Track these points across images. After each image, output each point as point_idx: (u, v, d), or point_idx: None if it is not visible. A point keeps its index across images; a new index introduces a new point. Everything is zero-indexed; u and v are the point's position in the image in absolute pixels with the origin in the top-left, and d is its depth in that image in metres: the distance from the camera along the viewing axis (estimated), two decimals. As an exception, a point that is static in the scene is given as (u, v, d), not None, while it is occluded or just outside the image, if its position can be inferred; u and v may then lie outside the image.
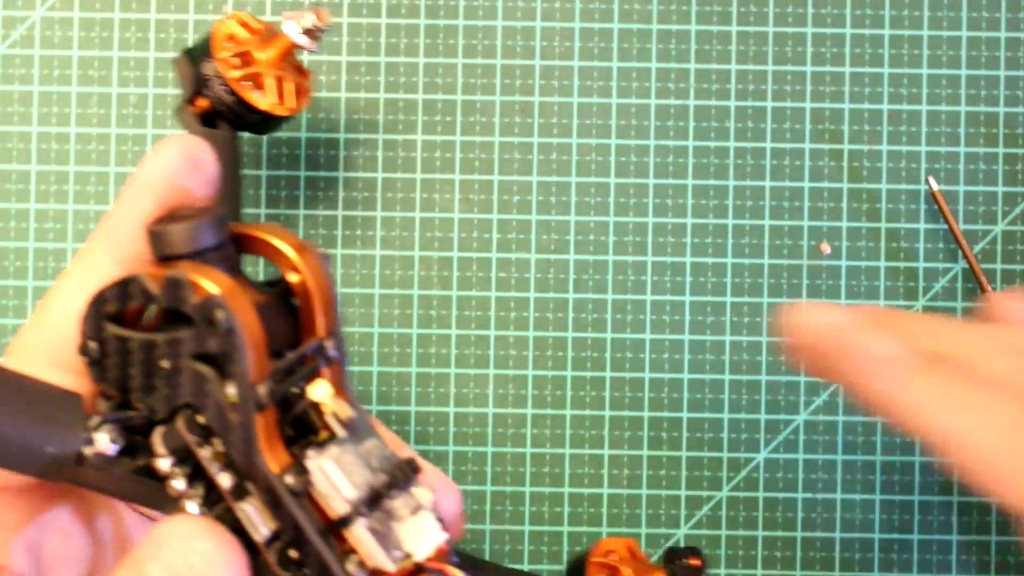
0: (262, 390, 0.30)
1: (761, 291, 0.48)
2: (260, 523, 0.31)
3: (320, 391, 0.32)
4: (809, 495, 0.48)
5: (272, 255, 0.32)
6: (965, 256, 0.47)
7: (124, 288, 0.29)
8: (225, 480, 0.31)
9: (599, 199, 0.48)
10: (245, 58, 0.42)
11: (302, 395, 0.32)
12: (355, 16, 0.48)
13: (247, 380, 0.30)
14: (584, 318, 0.48)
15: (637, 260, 0.48)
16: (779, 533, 0.48)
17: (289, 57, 0.43)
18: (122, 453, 0.30)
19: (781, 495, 0.48)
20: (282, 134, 0.48)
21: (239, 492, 0.31)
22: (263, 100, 0.43)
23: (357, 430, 0.32)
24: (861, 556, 0.48)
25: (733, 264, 0.48)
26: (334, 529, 0.31)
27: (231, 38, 0.43)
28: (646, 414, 0.48)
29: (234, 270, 0.31)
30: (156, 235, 0.31)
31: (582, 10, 0.49)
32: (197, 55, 0.43)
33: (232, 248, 0.31)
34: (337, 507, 0.31)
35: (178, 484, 0.31)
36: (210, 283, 0.30)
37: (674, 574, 0.43)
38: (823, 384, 0.48)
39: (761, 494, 0.48)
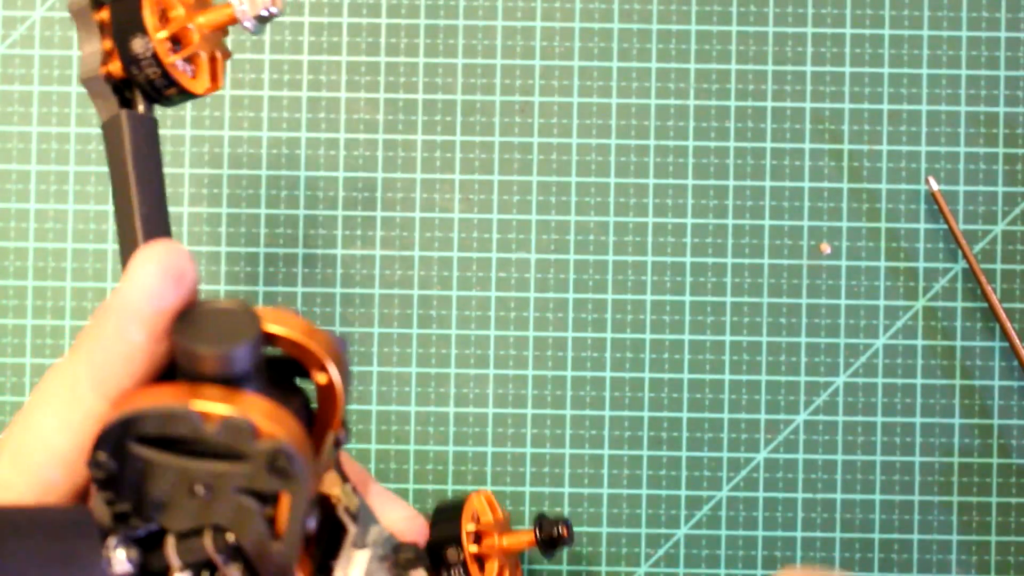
0: (311, 520, 0.29)
1: (761, 291, 0.48)
2: None
3: (333, 485, 0.31)
4: (809, 495, 0.48)
5: (292, 350, 0.30)
6: (965, 256, 0.47)
7: (168, 419, 0.27)
8: None
9: (599, 199, 0.48)
10: (180, 35, 0.37)
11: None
12: (355, 16, 0.48)
13: (301, 519, 0.28)
14: (584, 318, 0.48)
15: (637, 260, 0.48)
16: (779, 533, 0.48)
17: (221, 31, 0.38)
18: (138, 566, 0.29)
19: (781, 495, 0.48)
20: (282, 134, 0.48)
21: None
22: (199, 84, 0.37)
23: (363, 519, 0.31)
24: (861, 556, 0.48)
25: (733, 264, 0.48)
26: None
27: (164, 14, 0.37)
28: (646, 414, 0.48)
29: (265, 381, 0.29)
30: (187, 354, 0.28)
31: (582, 10, 0.49)
32: (121, 23, 0.36)
33: (263, 356, 0.29)
34: None
35: None
36: (274, 427, 0.28)
37: (542, 541, 0.44)
38: (823, 384, 0.48)
39: (761, 494, 0.48)
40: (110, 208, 0.48)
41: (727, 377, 0.48)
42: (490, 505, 0.44)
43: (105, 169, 0.48)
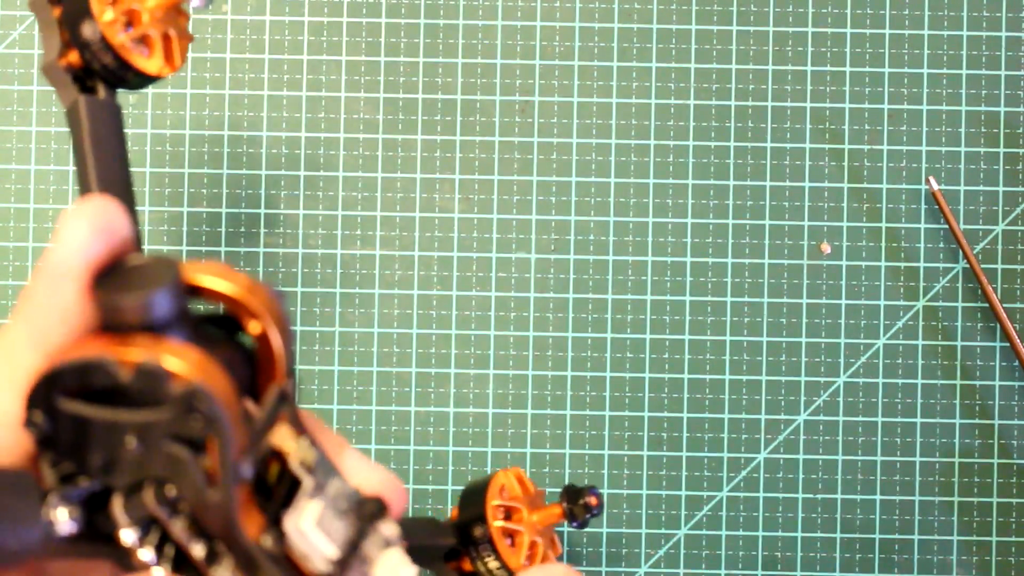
0: (244, 467, 0.29)
1: (761, 291, 0.48)
2: None
3: (286, 439, 0.31)
4: (809, 495, 0.48)
5: (227, 303, 0.30)
6: (965, 256, 0.47)
7: (86, 370, 0.27)
8: (198, 550, 0.29)
9: (599, 199, 0.48)
10: (130, 16, 0.37)
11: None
12: (355, 16, 0.48)
13: (230, 462, 0.28)
14: (584, 318, 0.48)
15: (637, 260, 0.48)
16: (779, 533, 0.48)
17: (174, 8, 0.38)
18: (83, 526, 0.29)
19: (781, 495, 0.48)
20: (282, 134, 0.48)
21: (212, 558, 0.30)
22: (152, 64, 0.37)
23: (321, 472, 0.31)
24: (861, 556, 0.48)
25: (733, 264, 0.48)
26: None
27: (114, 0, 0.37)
28: (646, 414, 0.48)
29: (191, 329, 0.29)
30: (108, 305, 0.29)
31: (582, 10, 0.48)
32: (71, 11, 0.36)
33: (186, 304, 0.29)
34: (318, 566, 0.30)
35: (145, 555, 0.29)
36: (189, 369, 0.28)
37: (572, 512, 0.42)
38: (823, 384, 0.48)
39: (761, 494, 0.48)
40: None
41: (727, 377, 0.48)
42: (519, 481, 0.43)
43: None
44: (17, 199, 0.48)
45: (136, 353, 0.28)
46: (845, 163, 0.48)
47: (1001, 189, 0.48)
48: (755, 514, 0.48)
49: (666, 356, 0.48)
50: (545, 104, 0.48)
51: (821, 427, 0.48)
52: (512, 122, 0.48)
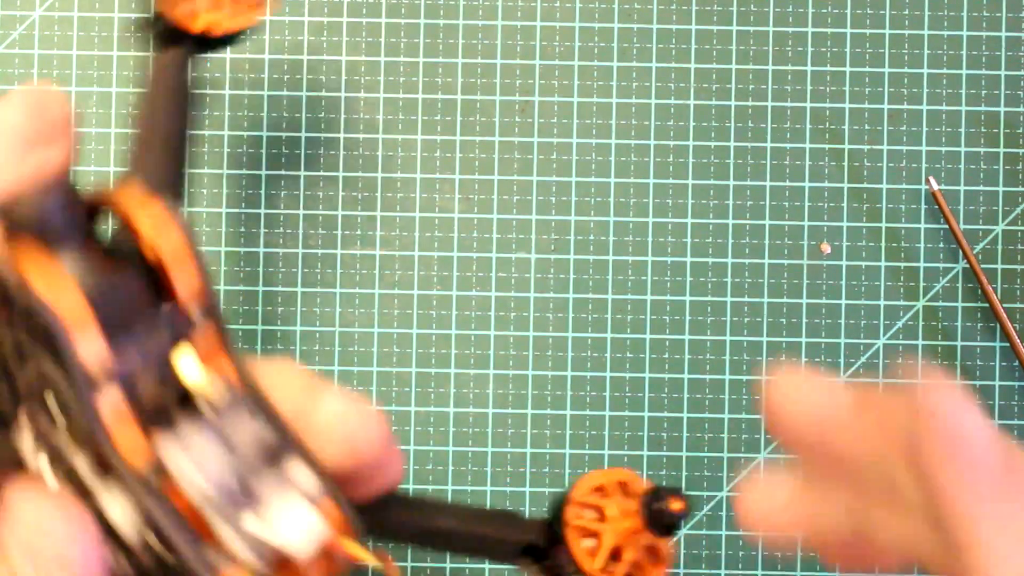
0: (96, 370, 0.28)
1: (761, 291, 0.48)
2: (117, 508, 0.29)
3: (182, 362, 0.30)
4: (809, 495, 0.48)
5: (124, 219, 0.30)
6: (965, 256, 0.47)
7: None
8: (81, 463, 0.29)
9: (599, 199, 0.48)
10: None
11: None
12: (355, 16, 0.48)
13: (75, 362, 0.28)
14: (584, 318, 0.48)
15: (637, 260, 0.48)
16: (779, 533, 0.48)
17: None
18: None
19: (781, 495, 0.48)
20: (282, 134, 0.48)
21: (102, 470, 0.29)
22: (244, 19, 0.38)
23: (230, 404, 0.30)
24: (861, 556, 0.48)
25: (733, 264, 0.48)
26: (197, 518, 0.29)
27: None
28: (646, 414, 0.48)
29: (83, 240, 0.30)
30: (2, 210, 0.29)
31: (582, 10, 0.48)
32: None
33: (83, 217, 0.30)
34: (193, 497, 0.29)
35: (41, 464, 0.30)
36: (35, 278, 0.28)
37: (651, 519, 0.35)
38: (823, 384, 0.48)
39: (761, 494, 0.48)
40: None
41: (727, 377, 0.48)
42: (622, 485, 0.36)
43: (104, 169, 0.48)
44: (17, 199, 0.48)
45: None
46: (845, 163, 0.48)
47: (1001, 189, 0.48)
48: (755, 514, 0.48)
49: (666, 356, 0.48)
50: (545, 104, 0.48)
51: (821, 427, 0.48)
52: (512, 122, 0.48)
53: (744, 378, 0.48)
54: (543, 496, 0.48)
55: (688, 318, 0.48)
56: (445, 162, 0.48)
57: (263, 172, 0.48)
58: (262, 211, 0.48)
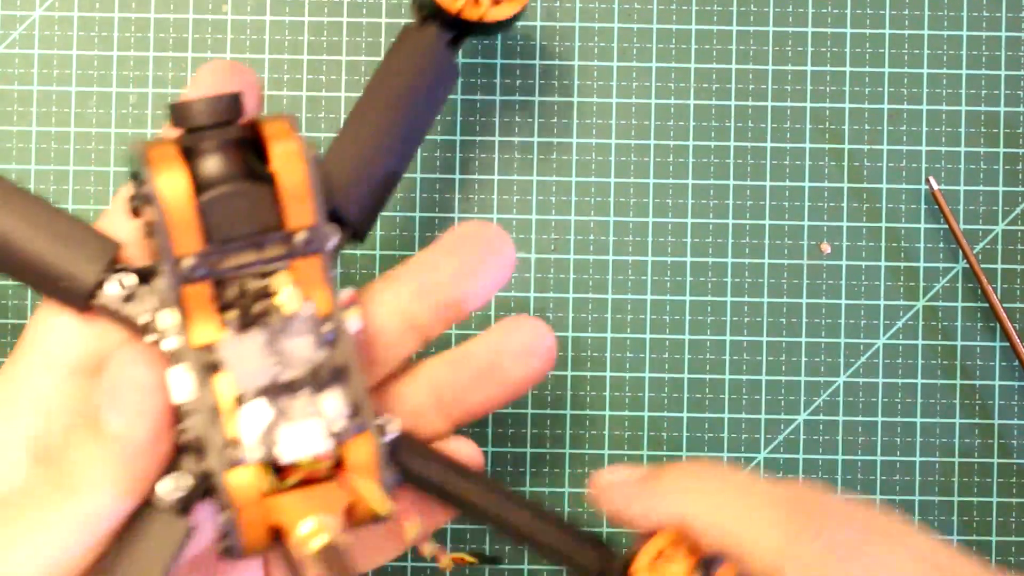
0: (187, 263, 0.33)
1: (761, 291, 0.48)
2: (177, 380, 0.34)
3: (279, 280, 0.35)
4: (809, 495, 0.48)
5: (264, 144, 0.34)
6: (965, 256, 0.47)
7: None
8: (170, 343, 0.35)
9: (599, 199, 0.48)
10: None
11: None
12: (355, 16, 0.48)
13: (168, 251, 0.33)
14: (584, 318, 0.48)
15: (637, 260, 0.48)
16: (779, 533, 0.48)
17: None
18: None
19: (781, 495, 0.48)
20: (282, 134, 0.48)
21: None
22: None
23: (300, 328, 0.34)
24: (861, 556, 0.48)
25: (733, 264, 0.48)
26: (228, 412, 0.34)
27: None
28: (646, 414, 0.48)
29: (229, 152, 0.34)
30: (170, 107, 0.34)
31: (582, 10, 0.48)
32: None
33: (237, 130, 0.34)
34: (232, 394, 0.34)
35: (152, 336, 0.35)
36: (156, 156, 0.33)
37: None
38: (823, 384, 0.48)
39: (761, 494, 0.48)
40: (109, 208, 0.48)
41: (727, 377, 0.48)
42: (686, 550, 0.36)
43: (105, 169, 0.48)
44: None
45: (137, 145, 0.34)
46: (845, 163, 0.48)
47: (1001, 189, 0.48)
48: (755, 514, 0.48)
49: (666, 356, 0.48)
50: (545, 104, 0.48)
51: (821, 427, 0.48)
52: (512, 122, 0.48)
53: (744, 378, 0.48)
54: (543, 496, 0.48)
55: (688, 318, 0.48)
56: (445, 162, 0.48)
57: (263, 172, 0.48)
58: (262, 211, 0.48)
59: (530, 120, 0.48)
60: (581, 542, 0.38)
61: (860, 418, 0.48)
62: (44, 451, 0.36)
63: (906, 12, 0.49)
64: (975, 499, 0.48)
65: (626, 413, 0.48)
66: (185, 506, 0.34)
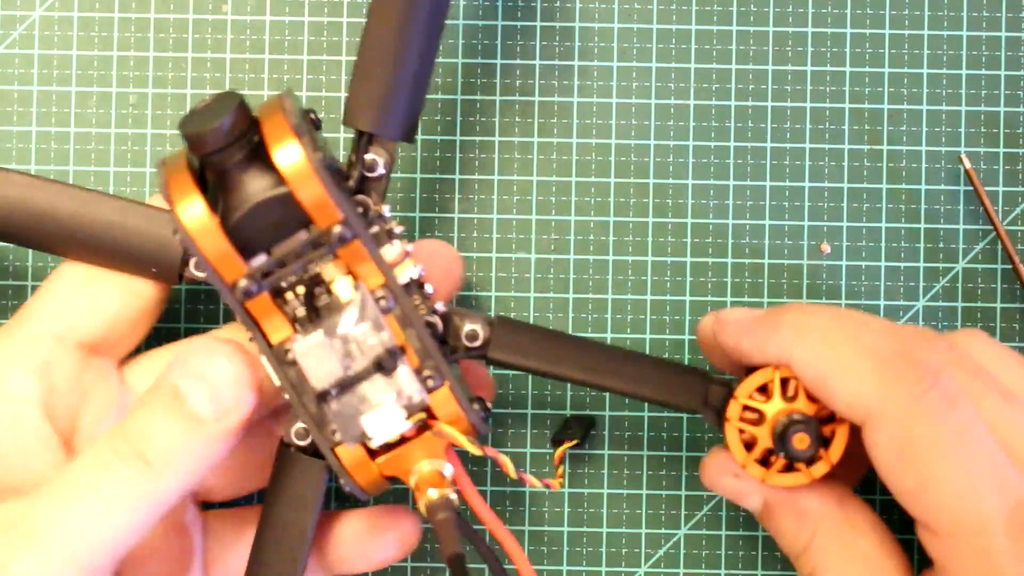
0: (240, 287, 0.36)
1: (761, 291, 0.48)
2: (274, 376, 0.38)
3: (329, 271, 0.37)
4: (809, 495, 0.48)
5: (267, 151, 0.36)
6: (996, 230, 0.47)
7: None
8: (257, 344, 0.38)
9: (599, 199, 0.48)
10: None
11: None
12: (355, 16, 0.48)
13: (219, 282, 0.36)
14: (584, 318, 0.48)
15: (637, 260, 0.48)
16: (779, 533, 0.48)
17: None
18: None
19: (781, 495, 0.48)
20: (282, 134, 0.48)
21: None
22: None
23: (358, 310, 0.36)
24: (861, 556, 0.48)
25: (733, 264, 0.48)
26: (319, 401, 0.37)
27: None
28: (646, 414, 0.48)
29: (245, 164, 0.36)
30: (183, 136, 0.36)
31: (582, 10, 0.48)
32: None
33: (248, 142, 0.36)
34: (312, 385, 0.36)
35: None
36: (177, 195, 0.36)
37: (781, 448, 0.39)
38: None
39: (761, 494, 0.48)
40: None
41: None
42: (783, 385, 0.40)
43: (105, 169, 0.48)
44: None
45: (169, 174, 0.37)
46: (845, 163, 0.48)
47: (1001, 189, 0.48)
48: (755, 514, 0.48)
49: (666, 356, 0.48)
50: (545, 104, 0.48)
51: (821, 427, 0.48)
52: (512, 122, 0.48)
53: (744, 378, 0.48)
54: (543, 496, 0.48)
55: (688, 318, 0.48)
56: (445, 162, 0.48)
57: (263, 172, 0.48)
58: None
59: (530, 120, 0.48)
60: (682, 374, 0.42)
61: (860, 418, 0.48)
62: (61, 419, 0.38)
63: (906, 12, 0.49)
64: (975, 499, 0.48)
65: (626, 413, 0.48)
66: (316, 450, 0.39)
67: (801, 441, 0.39)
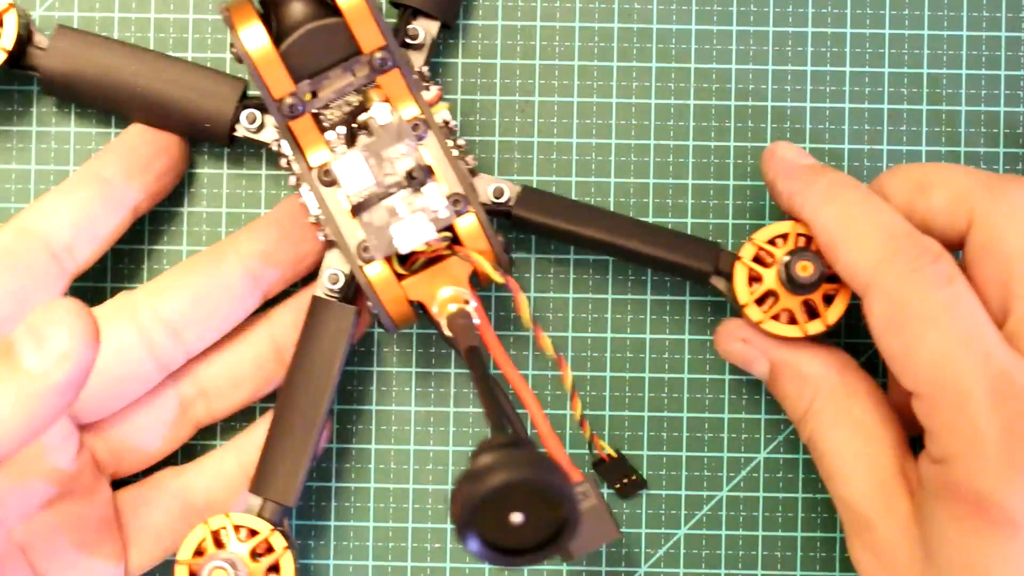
0: (286, 104, 0.40)
1: (761, 291, 0.48)
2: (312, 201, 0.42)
3: (369, 97, 0.42)
4: (809, 495, 0.48)
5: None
6: None
7: None
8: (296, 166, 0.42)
9: (599, 199, 0.48)
10: None
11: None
12: None
13: (268, 96, 0.40)
14: (584, 318, 0.48)
15: (637, 260, 0.48)
16: (779, 533, 0.48)
17: None
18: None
19: (781, 495, 0.48)
20: (282, 134, 0.48)
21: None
22: None
23: (394, 131, 0.41)
24: (861, 556, 0.48)
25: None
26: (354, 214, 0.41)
27: None
28: (646, 414, 0.48)
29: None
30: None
31: (582, 10, 0.48)
32: None
33: None
34: (345, 194, 0.41)
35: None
36: (237, 16, 0.40)
37: (787, 279, 0.42)
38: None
39: (761, 494, 0.48)
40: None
41: (727, 377, 0.48)
42: (805, 240, 0.43)
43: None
44: (17, 199, 0.48)
45: (232, 3, 0.41)
46: (845, 163, 0.48)
47: (1001, 189, 0.48)
48: (755, 514, 0.48)
49: (666, 356, 0.48)
50: (545, 104, 0.48)
51: (821, 427, 0.48)
52: (512, 122, 0.48)
53: (744, 378, 0.48)
54: (543, 496, 0.48)
55: (688, 318, 0.48)
56: (445, 162, 0.48)
57: (263, 172, 0.48)
58: (262, 211, 0.48)
59: (530, 120, 0.48)
60: (695, 241, 0.45)
61: (860, 418, 0.48)
62: None
63: (906, 12, 0.49)
64: (975, 499, 0.48)
65: (626, 413, 0.48)
66: (346, 295, 0.43)
67: (804, 269, 0.41)
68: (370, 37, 0.40)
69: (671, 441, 0.48)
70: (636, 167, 0.48)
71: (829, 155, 0.48)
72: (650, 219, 0.48)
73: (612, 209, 0.48)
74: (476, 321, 0.40)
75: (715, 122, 0.48)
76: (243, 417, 0.47)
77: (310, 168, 0.41)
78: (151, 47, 0.48)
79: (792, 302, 0.43)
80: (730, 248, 0.48)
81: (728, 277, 0.44)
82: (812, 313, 0.43)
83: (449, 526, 0.48)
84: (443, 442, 0.48)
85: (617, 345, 0.48)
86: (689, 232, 0.48)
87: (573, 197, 0.48)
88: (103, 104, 0.45)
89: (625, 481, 0.47)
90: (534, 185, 0.48)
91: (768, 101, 0.49)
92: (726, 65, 0.49)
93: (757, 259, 0.43)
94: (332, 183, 0.41)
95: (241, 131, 0.44)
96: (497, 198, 0.44)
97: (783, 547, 0.48)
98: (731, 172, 0.48)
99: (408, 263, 0.42)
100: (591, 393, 0.48)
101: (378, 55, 0.40)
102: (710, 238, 0.48)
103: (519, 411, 0.44)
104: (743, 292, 0.43)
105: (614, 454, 0.46)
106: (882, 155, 0.49)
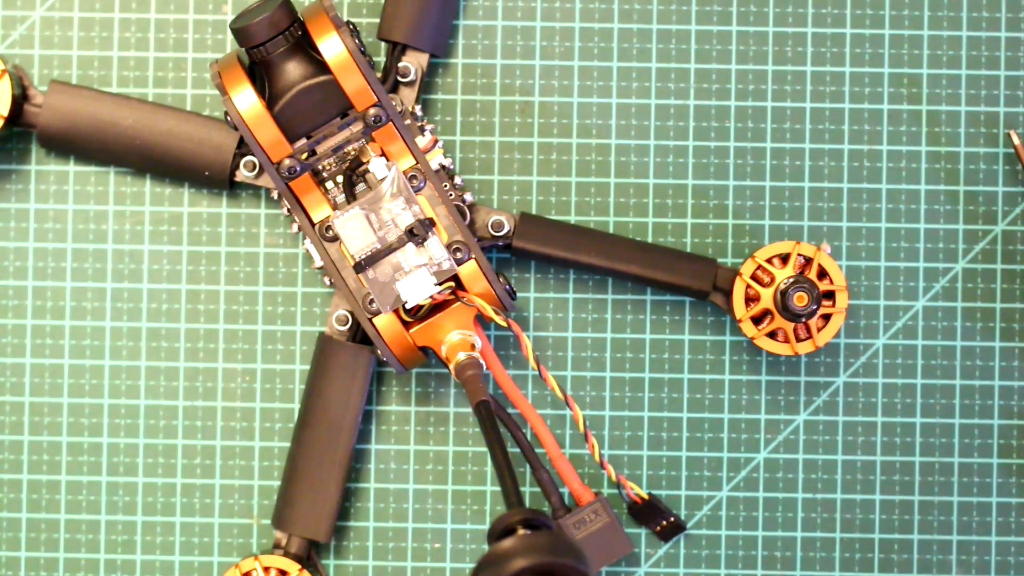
0: (284, 166, 0.41)
1: (761, 291, 0.48)
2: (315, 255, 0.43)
3: (365, 152, 0.42)
4: (809, 495, 0.48)
5: (313, 41, 0.41)
6: None
7: None
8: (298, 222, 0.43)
9: (599, 199, 0.48)
10: None
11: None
12: (355, 16, 0.48)
13: (265, 161, 0.41)
14: (584, 318, 0.48)
15: (637, 260, 0.48)
16: (779, 533, 0.48)
17: None
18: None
19: (781, 495, 0.48)
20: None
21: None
22: None
23: (391, 187, 0.41)
24: (861, 556, 0.48)
25: (733, 264, 0.48)
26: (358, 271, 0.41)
27: None
28: (646, 414, 0.48)
29: (290, 54, 0.41)
30: (232, 31, 0.41)
31: (582, 10, 0.48)
32: None
33: (292, 34, 0.41)
34: (349, 252, 0.41)
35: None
36: (228, 81, 0.41)
37: (781, 305, 0.44)
38: (823, 384, 0.48)
39: (761, 494, 0.48)
40: (110, 208, 0.48)
41: (727, 377, 0.48)
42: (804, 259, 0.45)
43: (105, 169, 0.48)
44: (17, 199, 0.48)
45: (221, 67, 0.42)
46: (845, 163, 0.48)
47: (1001, 189, 0.48)
48: (755, 514, 0.48)
49: (666, 356, 0.48)
50: (545, 104, 0.48)
51: (821, 427, 0.48)
52: (512, 122, 0.48)
53: (744, 378, 0.48)
54: (540, 496, 0.48)
55: (688, 318, 0.48)
56: (445, 162, 0.48)
57: (262, 211, 0.48)
58: (262, 211, 0.48)
59: (530, 120, 0.48)
60: (693, 260, 0.45)
61: (860, 418, 0.48)
62: None
63: (906, 12, 0.49)
64: (975, 499, 0.48)
65: (626, 413, 0.48)
66: (355, 335, 0.44)
67: (800, 300, 0.43)
68: (363, 97, 0.41)
69: (671, 441, 0.48)
70: (636, 167, 0.48)
71: (829, 155, 0.48)
72: (650, 219, 0.48)
73: (612, 210, 0.48)
74: (483, 365, 0.42)
75: (715, 122, 0.48)
76: (241, 438, 0.47)
77: (312, 224, 0.42)
78: (151, 47, 0.48)
79: (786, 324, 0.44)
80: (730, 252, 0.48)
81: (726, 293, 0.45)
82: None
83: (449, 526, 0.48)
84: (443, 442, 0.48)
85: (617, 345, 0.48)
86: (689, 233, 0.48)
87: (573, 198, 0.48)
88: (100, 156, 0.46)
89: (664, 524, 0.47)
90: (534, 185, 0.48)
91: (768, 101, 0.49)
92: (726, 65, 0.49)
93: (755, 277, 0.44)
94: (334, 239, 0.42)
95: (240, 177, 0.44)
96: (496, 231, 0.45)
97: (783, 547, 0.48)
98: (731, 172, 0.48)
99: (413, 310, 0.42)
100: (591, 393, 0.48)
101: (372, 112, 0.41)
102: (710, 239, 0.48)
103: (524, 429, 0.45)
104: (740, 308, 0.44)
105: (645, 496, 0.46)
106: (882, 155, 0.49)
